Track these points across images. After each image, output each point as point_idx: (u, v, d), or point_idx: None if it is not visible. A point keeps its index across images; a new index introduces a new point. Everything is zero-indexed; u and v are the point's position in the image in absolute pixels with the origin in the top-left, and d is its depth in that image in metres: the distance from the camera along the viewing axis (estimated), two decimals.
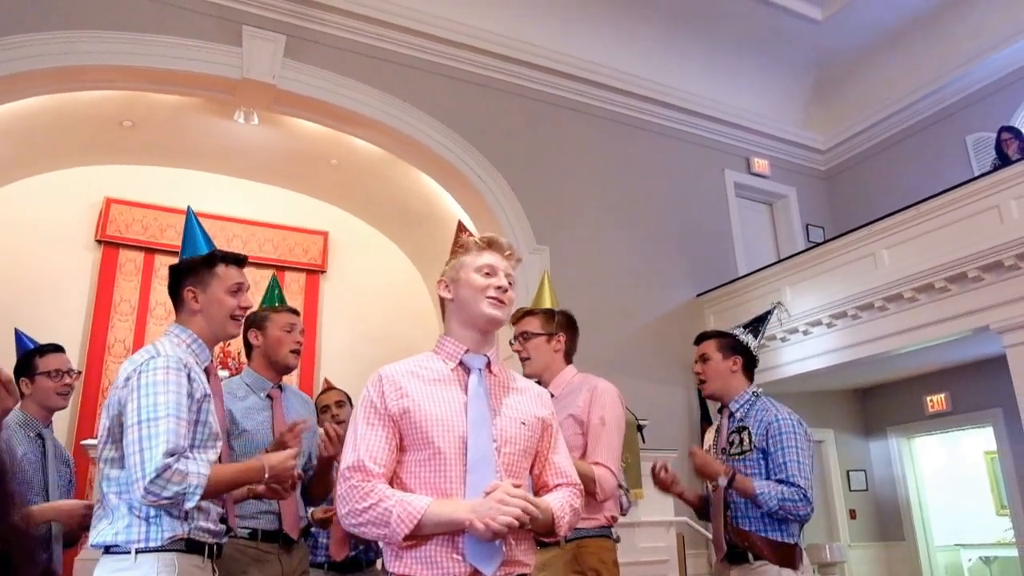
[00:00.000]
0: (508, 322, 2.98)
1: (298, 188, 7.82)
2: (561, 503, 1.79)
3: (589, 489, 2.51)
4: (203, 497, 1.94)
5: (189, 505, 1.93)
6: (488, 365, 1.87)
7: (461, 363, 1.85)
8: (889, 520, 7.74)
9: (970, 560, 8.89)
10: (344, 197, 7.86)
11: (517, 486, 1.70)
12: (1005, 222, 5.06)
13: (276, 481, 2.17)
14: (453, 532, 1.65)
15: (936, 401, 7.31)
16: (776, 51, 7.86)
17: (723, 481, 2.77)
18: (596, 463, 2.58)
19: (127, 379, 2.04)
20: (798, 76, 8.25)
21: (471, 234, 2.07)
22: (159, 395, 1.97)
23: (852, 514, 7.62)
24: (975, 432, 7.86)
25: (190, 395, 2.03)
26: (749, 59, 7.86)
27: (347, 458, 1.72)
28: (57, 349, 3.21)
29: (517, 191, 6.46)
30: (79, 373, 3.27)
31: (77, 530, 2.81)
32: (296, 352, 2.91)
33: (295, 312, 3.02)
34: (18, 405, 3.14)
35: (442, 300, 1.93)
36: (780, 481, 2.75)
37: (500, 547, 1.66)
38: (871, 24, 7.55)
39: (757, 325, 3.15)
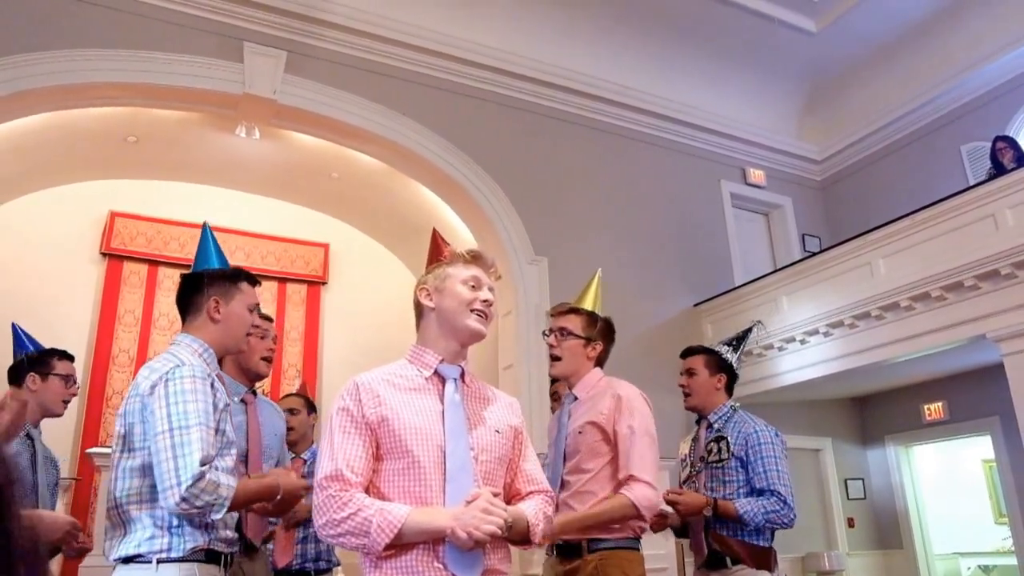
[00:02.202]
0: (547, 313, 2.93)
1: (299, 201, 7.90)
2: (535, 511, 1.81)
3: (632, 515, 2.46)
4: (228, 510, 1.95)
5: (216, 516, 1.92)
6: (462, 375, 1.88)
7: (436, 372, 1.85)
8: (888, 528, 7.72)
9: (969, 568, 8.88)
10: (345, 209, 7.93)
11: (496, 495, 1.70)
12: (1001, 231, 5.06)
13: (285, 502, 2.22)
14: (434, 541, 1.64)
15: (933, 410, 7.29)
16: (771, 63, 7.92)
17: (708, 512, 2.86)
18: (631, 477, 2.47)
19: (153, 387, 2.00)
20: (793, 87, 8.32)
21: (447, 243, 2.08)
22: (188, 403, 1.96)
23: (850, 522, 7.61)
24: (973, 440, 7.84)
25: (214, 405, 2.04)
26: (744, 71, 7.93)
27: (324, 467, 1.69)
28: (71, 357, 3.23)
29: (515, 202, 6.52)
30: (78, 386, 3.30)
31: (55, 547, 2.84)
32: (268, 360, 2.92)
33: (268, 319, 3.01)
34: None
35: (419, 308, 1.92)
36: (760, 491, 2.85)
37: (481, 555, 1.66)
38: (865, 36, 7.61)
39: (738, 343, 3.24)
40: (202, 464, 1.89)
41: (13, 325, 3.32)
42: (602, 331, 2.77)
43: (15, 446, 2.97)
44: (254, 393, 2.96)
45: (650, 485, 2.46)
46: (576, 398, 2.74)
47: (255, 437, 2.83)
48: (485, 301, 1.87)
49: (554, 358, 2.76)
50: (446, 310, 1.87)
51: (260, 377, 2.95)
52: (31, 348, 3.23)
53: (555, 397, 3.72)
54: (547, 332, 2.82)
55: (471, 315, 1.85)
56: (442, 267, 1.94)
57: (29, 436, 3.06)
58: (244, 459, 2.77)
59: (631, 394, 2.62)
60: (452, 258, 1.94)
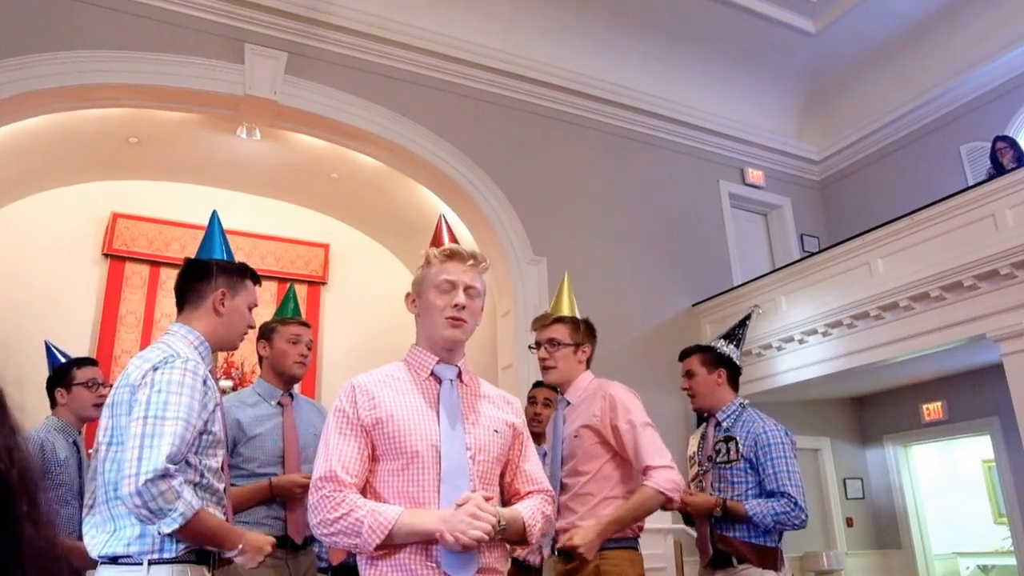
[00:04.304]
0: (532, 328, 2.94)
1: (299, 201, 7.92)
2: (532, 511, 1.81)
3: (662, 501, 2.50)
4: (177, 531, 1.79)
5: (164, 530, 1.78)
6: (459, 374, 1.88)
7: (432, 373, 1.85)
8: (886, 528, 7.73)
9: (968, 568, 8.88)
10: (344, 210, 7.95)
11: (488, 498, 1.70)
12: (1000, 231, 5.06)
13: (243, 555, 2.05)
14: (426, 541, 1.64)
15: (932, 410, 7.29)
16: (770, 63, 7.93)
17: (718, 512, 2.87)
18: (647, 467, 2.52)
19: (143, 376, 1.91)
20: (792, 87, 8.33)
21: (451, 236, 2.05)
22: (172, 395, 1.86)
23: (849, 522, 7.61)
24: (972, 440, 7.85)
25: (204, 404, 1.94)
26: (743, 71, 7.94)
27: (319, 468, 1.71)
28: (92, 362, 3.35)
29: (514, 203, 6.54)
30: (110, 387, 3.35)
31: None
32: (301, 363, 2.98)
33: (305, 324, 3.06)
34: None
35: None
36: (771, 493, 2.84)
37: (475, 555, 1.67)
38: (864, 36, 7.61)
39: (736, 332, 3.23)
40: (170, 460, 1.77)
41: (46, 343, 3.46)
42: (586, 333, 2.86)
43: (63, 452, 3.09)
44: (291, 396, 3.01)
45: (669, 467, 2.52)
46: (569, 403, 2.81)
47: (291, 438, 2.86)
48: (456, 305, 1.83)
49: (548, 367, 2.82)
50: (425, 319, 1.88)
51: (294, 380, 3.01)
52: (61, 361, 3.36)
53: (531, 401, 3.79)
54: (535, 346, 2.87)
55: (445, 323, 1.84)
56: (422, 270, 1.93)
57: (75, 443, 3.19)
58: (281, 460, 2.81)
59: (621, 392, 2.69)
60: (428, 261, 1.91)
